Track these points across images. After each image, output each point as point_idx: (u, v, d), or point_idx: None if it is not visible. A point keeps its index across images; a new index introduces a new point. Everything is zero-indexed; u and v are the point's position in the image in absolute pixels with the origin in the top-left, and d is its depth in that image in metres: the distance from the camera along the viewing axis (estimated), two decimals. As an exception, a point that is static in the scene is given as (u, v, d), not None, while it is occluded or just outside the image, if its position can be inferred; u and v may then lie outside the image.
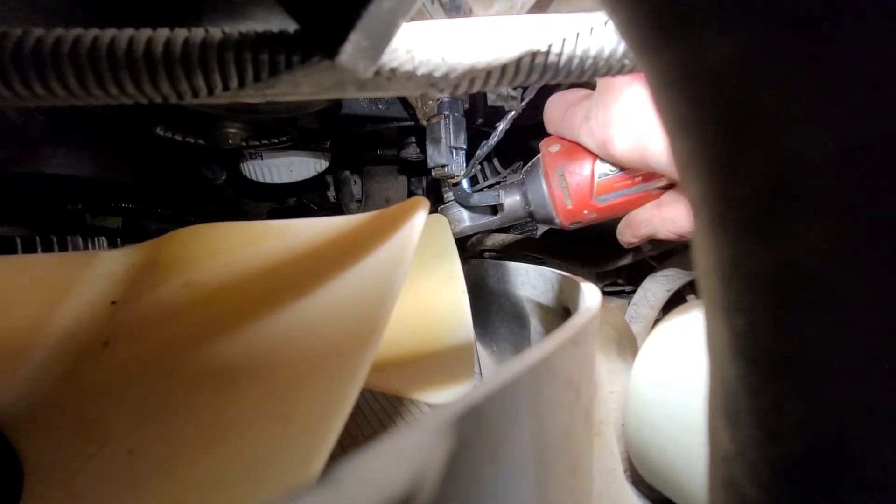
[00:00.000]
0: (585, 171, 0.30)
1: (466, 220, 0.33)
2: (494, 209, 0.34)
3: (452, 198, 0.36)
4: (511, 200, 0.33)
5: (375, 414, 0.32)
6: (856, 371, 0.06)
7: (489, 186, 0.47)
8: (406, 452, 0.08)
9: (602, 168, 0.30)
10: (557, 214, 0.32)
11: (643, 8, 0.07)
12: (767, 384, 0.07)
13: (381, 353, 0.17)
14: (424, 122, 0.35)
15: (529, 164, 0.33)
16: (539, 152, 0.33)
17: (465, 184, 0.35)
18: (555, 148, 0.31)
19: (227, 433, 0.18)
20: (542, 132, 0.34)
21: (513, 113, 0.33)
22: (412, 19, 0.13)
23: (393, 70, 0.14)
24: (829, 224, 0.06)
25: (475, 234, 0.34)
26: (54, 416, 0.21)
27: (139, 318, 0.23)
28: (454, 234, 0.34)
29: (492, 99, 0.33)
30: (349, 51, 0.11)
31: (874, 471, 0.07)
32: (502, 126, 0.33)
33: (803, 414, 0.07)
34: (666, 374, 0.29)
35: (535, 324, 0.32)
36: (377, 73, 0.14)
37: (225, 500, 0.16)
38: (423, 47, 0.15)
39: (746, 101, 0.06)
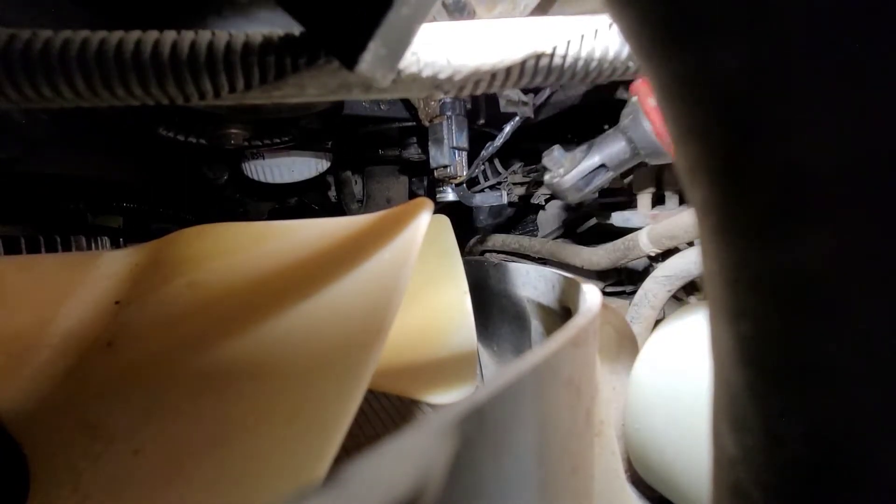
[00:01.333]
0: None
1: (573, 177, 0.34)
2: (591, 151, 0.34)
3: (447, 198, 0.36)
4: (616, 148, 0.34)
5: (377, 414, 0.32)
6: (860, 377, 0.07)
7: (490, 187, 0.47)
8: (411, 453, 0.08)
9: None
10: (668, 148, 0.33)
11: (651, 16, 0.07)
12: (772, 389, 0.07)
13: (384, 352, 0.17)
14: (426, 123, 0.35)
15: (629, 116, 0.34)
16: (540, 152, 0.33)
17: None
18: (653, 101, 0.33)
19: (232, 433, 0.18)
20: (543, 132, 0.34)
21: (519, 117, 0.33)
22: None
23: (398, 72, 0.14)
24: (834, 232, 0.06)
25: (587, 193, 0.35)
26: (60, 416, 0.21)
27: (143, 318, 0.23)
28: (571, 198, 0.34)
29: (503, 105, 0.33)
30: (368, 59, 0.11)
31: (878, 475, 0.07)
32: (509, 128, 0.33)
33: (808, 419, 0.07)
34: (666, 374, 0.29)
35: (535, 324, 0.33)
36: (382, 75, 0.14)
37: (230, 500, 0.16)
38: (428, 50, 0.15)
39: (754, 109, 0.06)
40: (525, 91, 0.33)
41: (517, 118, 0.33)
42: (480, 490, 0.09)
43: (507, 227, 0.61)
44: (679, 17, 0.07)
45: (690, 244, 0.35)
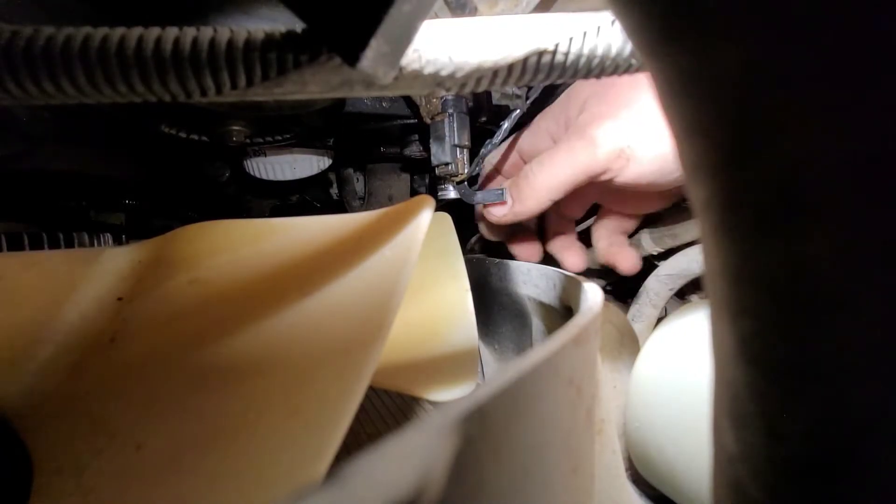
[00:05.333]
0: None
1: None
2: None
3: (449, 195, 0.36)
4: None
5: (377, 411, 0.32)
6: (862, 374, 0.07)
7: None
8: (412, 452, 0.08)
9: None
10: None
11: (653, 11, 0.07)
12: (773, 387, 0.07)
13: (385, 350, 0.17)
14: (428, 120, 0.35)
15: None
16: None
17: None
18: None
19: (235, 430, 0.18)
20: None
21: (517, 112, 0.33)
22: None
23: (400, 69, 0.14)
24: (836, 229, 0.06)
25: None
26: (63, 411, 0.21)
27: (145, 315, 0.23)
28: None
29: (496, 97, 0.33)
30: (370, 57, 0.11)
31: (879, 473, 0.07)
32: (507, 125, 0.33)
33: (809, 416, 0.07)
34: (668, 373, 0.29)
35: (536, 322, 0.33)
36: (384, 72, 0.14)
37: (232, 496, 0.16)
38: (429, 46, 0.15)
39: (756, 105, 0.06)
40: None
41: (514, 113, 0.33)
42: (481, 489, 0.09)
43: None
44: (681, 14, 0.07)
45: (693, 243, 0.35)
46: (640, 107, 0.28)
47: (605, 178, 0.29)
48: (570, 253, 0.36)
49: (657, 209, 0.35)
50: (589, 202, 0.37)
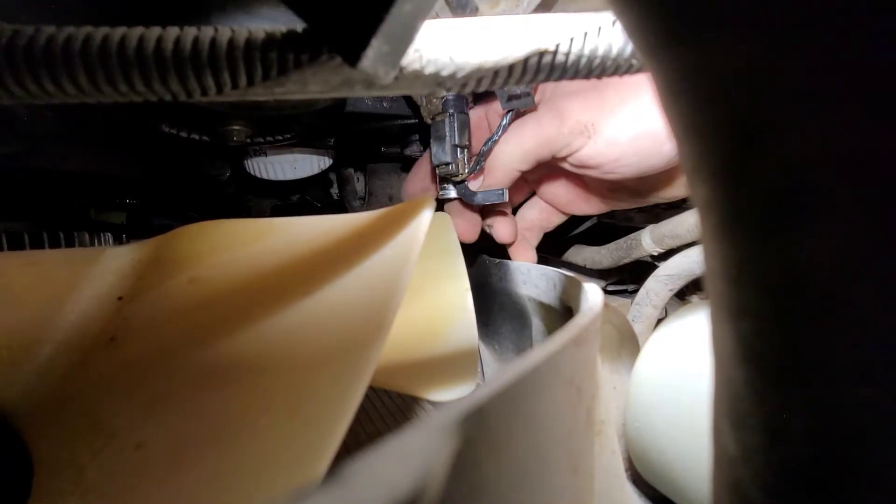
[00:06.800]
0: None
1: None
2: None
3: (450, 195, 0.36)
4: None
5: (377, 411, 0.32)
6: (862, 374, 0.07)
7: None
8: (413, 452, 0.08)
9: None
10: None
11: (653, 12, 0.07)
12: (773, 388, 0.07)
13: (385, 349, 0.17)
14: (429, 120, 0.35)
15: None
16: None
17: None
18: None
19: (233, 428, 0.18)
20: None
21: (512, 112, 0.33)
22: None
23: (401, 69, 0.14)
24: (837, 230, 0.06)
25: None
26: (62, 410, 0.21)
27: (145, 314, 0.23)
28: None
29: (503, 102, 0.33)
30: (371, 56, 0.11)
31: (880, 475, 0.07)
32: (506, 121, 0.33)
33: (809, 418, 0.07)
34: (668, 374, 0.29)
35: (536, 323, 0.33)
36: (384, 72, 0.14)
37: (232, 496, 0.16)
38: (430, 46, 0.15)
39: (757, 106, 0.06)
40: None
41: (510, 113, 0.33)
42: (480, 489, 0.09)
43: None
44: (681, 14, 0.07)
45: (693, 243, 0.35)
46: (611, 90, 0.30)
47: (565, 152, 0.31)
48: (504, 223, 0.37)
49: (586, 212, 0.37)
50: (528, 190, 0.38)
